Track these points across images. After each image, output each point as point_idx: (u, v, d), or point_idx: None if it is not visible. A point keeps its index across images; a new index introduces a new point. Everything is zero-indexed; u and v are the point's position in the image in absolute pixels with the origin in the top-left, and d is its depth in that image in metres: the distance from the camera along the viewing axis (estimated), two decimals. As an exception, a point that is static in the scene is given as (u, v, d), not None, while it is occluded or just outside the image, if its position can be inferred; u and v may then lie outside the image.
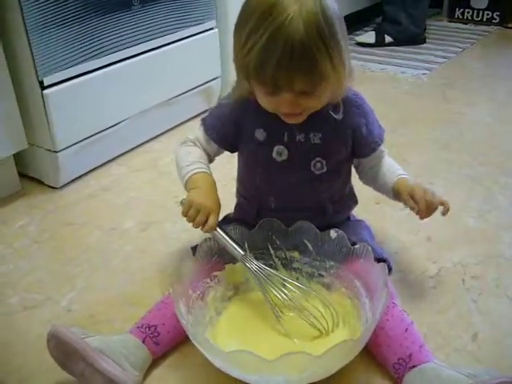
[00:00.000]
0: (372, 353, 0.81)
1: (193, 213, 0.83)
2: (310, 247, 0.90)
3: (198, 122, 0.94)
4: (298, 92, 0.76)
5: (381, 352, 0.79)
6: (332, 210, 0.93)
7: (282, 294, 0.83)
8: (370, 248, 0.84)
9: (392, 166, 0.94)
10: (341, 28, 0.76)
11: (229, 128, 0.90)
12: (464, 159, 1.43)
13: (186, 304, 0.81)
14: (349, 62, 0.79)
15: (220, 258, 0.89)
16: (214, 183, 0.89)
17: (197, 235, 0.99)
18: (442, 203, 0.87)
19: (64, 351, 0.75)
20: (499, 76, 2.05)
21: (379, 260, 0.85)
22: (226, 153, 0.96)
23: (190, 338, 0.75)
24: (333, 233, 0.88)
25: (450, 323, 0.90)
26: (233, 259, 0.88)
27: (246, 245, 0.89)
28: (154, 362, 0.82)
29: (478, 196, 1.26)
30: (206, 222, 0.83)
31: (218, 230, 0.85)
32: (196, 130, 0.94)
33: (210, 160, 0.94)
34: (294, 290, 0.84)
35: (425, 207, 0.85)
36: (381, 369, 0.80)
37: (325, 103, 0.82)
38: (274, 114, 0.83)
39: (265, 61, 0.72)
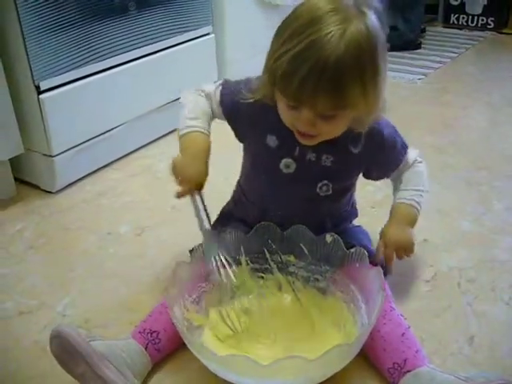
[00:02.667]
0: (368, 356, 0.80)
1: (174, 177, 0.83)
2: (306, 251, 0.90)
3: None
4: (318, 113, 0.73)
5: (376, 355, 0.79)
6: (331, 225, 0.93)
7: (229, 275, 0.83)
8: (365, 252, 0.84)
9: (405, 184, 0.91)
10: (383, 57, 0.72)
11: (243, 118, 0.87)
12: (459, 163, 1.44)
13: (181, 308, 0.81)
14: (383, 94, 0.75)
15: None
16: (208, 147, 0.86)
17: (192, 239, 0.99)
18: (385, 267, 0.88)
19: (68, 351, 0.74)
20: (494, 80, 2.06)
21: (376, 265, 0.85)
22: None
23: (186, 342, 0.75)
24: (328, 237, 0.88)
25: (446, 327, 0.90)
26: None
27: (241, 248, 0.89)
28: (152, 367, 0.82)
29: (474, 200, 1.27)
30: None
31: (196, 197, 0.84)
32: (212, 86, 0.90)
33: (213, 118, 0.91)
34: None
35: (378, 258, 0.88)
36: (377, 373, 0.80)
37: (341, 132, 0.79)
38: None
39: (294, 71, 0.69)
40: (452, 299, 0.96)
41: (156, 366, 0.82)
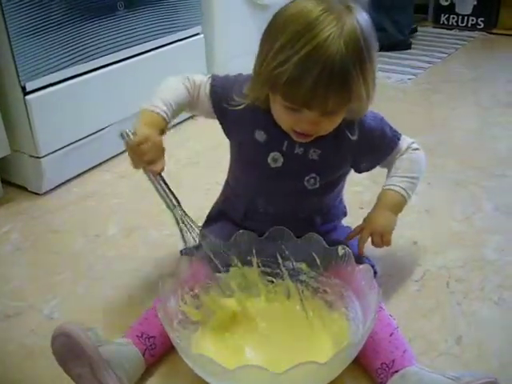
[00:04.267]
0: (357, 356, 0.80)
1: (145, 147, 0.78)
2: (318, 262, 0.88)
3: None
4: (325, 112, 0.74)
5: (365, 355, 0.78)
6: (320, 221, 0.93)
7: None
8: (372, 270, 0.82)
9: (394, 171, 0.91)
10: (374, 44, 0.75)
11: (231, 117, 0.86)
12: (449, 163, 1.44)
13: (178, 301, 0.80)
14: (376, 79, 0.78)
15: (222, 260, 0.87)
16: (163, 132, 0.83)
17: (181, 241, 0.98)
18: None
19: (73, 352, 0.72)
20: (484, 81, 2.07)
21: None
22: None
23: (173, 343, 0.74)
24: (340, 250, 0.85)
25: (434, 327, 0.90)
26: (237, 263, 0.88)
27: (253, 250, 0.88)
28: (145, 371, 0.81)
29: (463, 200, 1.27)
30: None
31: (160, 177, 0.81)
32: (202, 77, 0.89)
33: (187, 107, 0.89)
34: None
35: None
36: (366, 374, 0.80)
37: (337, 125, 0.80)
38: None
39: (302, 76, 0.70)
40: (440, 299, 0.96)
41: (148, 370, 0.81)
